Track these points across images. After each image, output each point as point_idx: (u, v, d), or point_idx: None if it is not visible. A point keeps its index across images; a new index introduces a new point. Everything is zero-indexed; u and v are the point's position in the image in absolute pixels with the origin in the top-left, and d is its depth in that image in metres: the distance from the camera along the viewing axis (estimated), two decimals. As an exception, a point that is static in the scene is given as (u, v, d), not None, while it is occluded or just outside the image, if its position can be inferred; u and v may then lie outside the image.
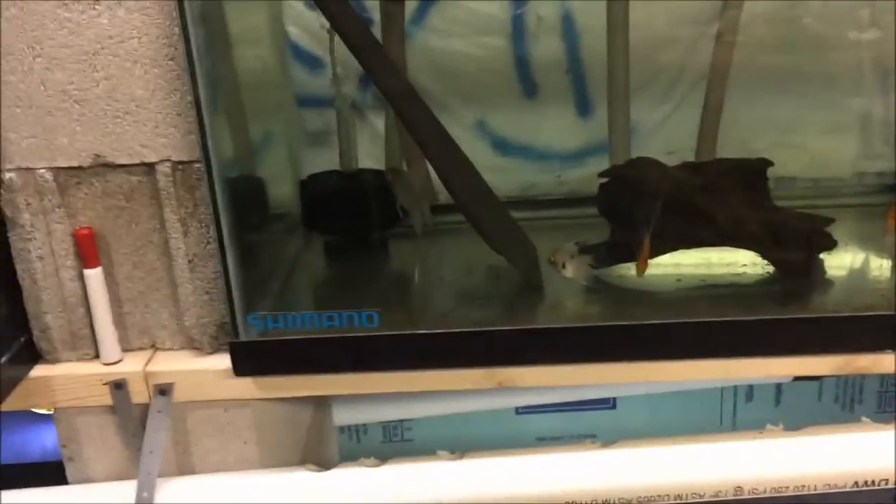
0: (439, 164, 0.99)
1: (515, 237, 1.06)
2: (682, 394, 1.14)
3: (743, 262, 1.05)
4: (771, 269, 1.04)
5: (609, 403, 1.26)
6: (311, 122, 1.30)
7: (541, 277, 1.04)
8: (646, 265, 1.00)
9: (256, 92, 1.17)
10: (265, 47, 1.20)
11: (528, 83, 1.32)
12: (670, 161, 1.09)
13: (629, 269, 1.05)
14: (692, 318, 0.94)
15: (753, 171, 1.04)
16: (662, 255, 1.01)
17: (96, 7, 0.85)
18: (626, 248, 1.04)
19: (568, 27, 1.29)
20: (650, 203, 1.00)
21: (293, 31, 1.27)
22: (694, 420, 1.60)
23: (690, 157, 1.24)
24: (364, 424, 1.19)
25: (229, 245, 0.90)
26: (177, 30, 0.84)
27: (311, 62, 1.28)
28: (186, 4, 0.81)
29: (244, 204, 1.02)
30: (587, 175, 1.34)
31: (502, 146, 1.35)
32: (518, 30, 1.29)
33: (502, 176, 1.33)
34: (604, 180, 1.09)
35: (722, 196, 1.02)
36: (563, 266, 1.03)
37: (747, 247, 1.02)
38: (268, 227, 1.14)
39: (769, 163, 1.04)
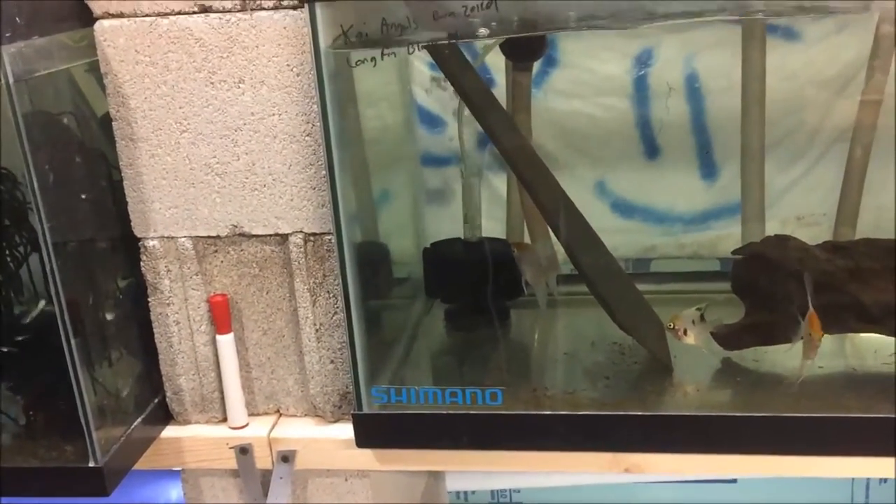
0: (563, 235, 0.97)
1: (642, 313, 1.03)
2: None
3: (892, 352, 0.98)
4: (923, 358, 0.96)
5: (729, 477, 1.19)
6: (437, 182, 1.31)
7: (669, 356, 1.00)
8: (818, 341, 0.93)
9: (384, 160, 1.20)
10: (393, 114, 1.22)
11: (649, 144, 1.29)
12: (809, 236, 1.05)
13: (765, 352, 1.00)
14: (832, 410, 0.88)
15: (905, 253, 0.97)
16: (798, 341, 0.95)
17: (240, 86, 0.89)
18: (762, 329, 0.99)
19: (692, 88, 1.26)
20: (790, 283, 0.95)
21: (421, 94, 1.29)
22: (822, 498, 1.50)
23: (825, 223, 1.20)
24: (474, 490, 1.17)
25: (356, 317, 0.91)
26: (315, 107, 0.86)
27: (436, 123, 1.29)
28: (326, 87, 0.84)
29: (371, 274, 1.03)
30: (711, 238, 1.32)
31: (623, 208, 1.33)
32: (641, 91, 1.27)
33: (622, 237, 1.32)
34: (739, 257, 1.04)
35: (869, 278, 0.96)
36: (685, 333, 0.99)
37: (898, 334, 0.95)
38: (392, 294, 1.15)
39: (923, 244, 0.98)
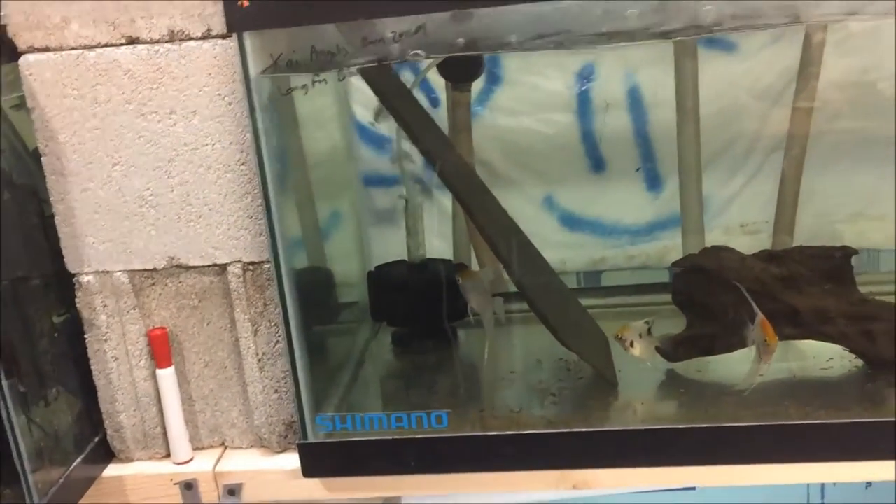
0: (503, 255, 0.98)
1: (586, 329, 1.03)
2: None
3: (829, 356, 1.00)
4: (860, 362, 0.98)
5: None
6: (383, 203, 1.31)
7: (614, 371, 1.01)
8: (773, 346, 0.94)
9: (329, 183, 1.19)
10: (337, 137, 1.22)
11: (595, 158, 1.31)
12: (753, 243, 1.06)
13: (708, 363, 1.02)
14: (776, 418, 0.89)
15: (837, 260, 0.99)
16: (740, 349, 0.97)
17: (172, 116, 0.88)
18: (704, 340, 1.00)
19: (634, 101, 1.28)
20: (729, 293, 0.96)
21: (367, 115, 1.29)
22: (781, 499, 1.52)
23: (767, 229, 1.22)
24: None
25: (298, 345, 0.90)
26: (248, 135, 0.86)
27: (382, 143, 1.29)
28: (258, 115, 0.83)
29: (314, 301, 1.02)
30: (658, 249, 1.33)
31: (571, 221, 1.34)
32: (585, 105, 1.29)
33: (572, 251, 1.33)
34: (678, 270, 1.05)
35: (804, 286, 0.98)
36: (631, 344, 1.00)
37: (833, 340, 0.97)
38: (337, 319, 1.14)
39: (853, 251, 1.00)
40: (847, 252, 1.00)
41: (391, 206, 1.30)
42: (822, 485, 1.58)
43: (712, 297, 1.00)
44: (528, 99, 1.28)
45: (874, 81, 1.20)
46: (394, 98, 0.98)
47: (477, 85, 1.24)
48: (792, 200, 1.22)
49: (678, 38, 1.12)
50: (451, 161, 1.00)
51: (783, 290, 0.97)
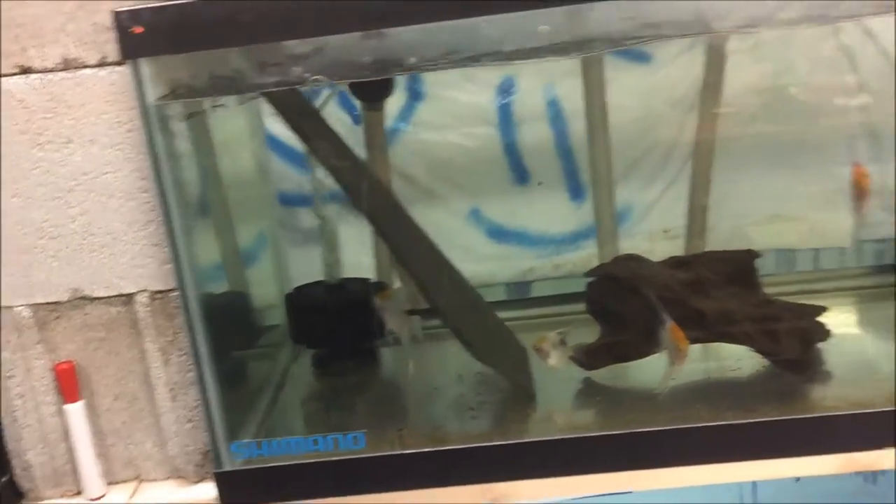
0: (417, 275, 0.98)
1: (504, 343, 1.04)
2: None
3: (738, 357, 1.03)
4: (766, 363, 1.01)
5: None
6: (304, 223, 1.30)
7: (531, 383, 1.02)
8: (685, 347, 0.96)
9: (239, 206, 1.18)
10: (252, 159, 1.21)
11: (519, 170, 1.32)
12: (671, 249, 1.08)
13: (624, 369, 1.03)
14: (688, 421, 0.91)
15: (742, 263, 1.02)
16: (653, 355, 0.99)
17: (69, 146, 0.86)
18: (617, 347, 1.02)
19: (555, 113, 1.30)
20: (639, 300, 0.98)
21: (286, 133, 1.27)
22: (716, 499, 1.55)
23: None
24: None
25: (209, 373, 0.88)
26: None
27: (299, 161, 1.28)
28: (158, 141, 0.82)
29: (228, 326, 1.01)
30: (583, 258, 1.35)
31: (498, 233, 1.35)
32: (506, 118, 1.30)
33: (500, 263, 1.34)
34: (591, 279, 1.07)
35: (710, 290, 1.00)
36: (547, 355, 1.01)
37: (739, 342, 0.99)
38: (256, 344, 1.12)
39: (757, 254, 1.03)
40: (751, 255, 1.03)
41: (313, 225, 1.29)
42: (754, 483, 1.61)
43: (624, 304, 1.02)
44: (450, 113, 1.29)
45: (786, 86, 1.24)
46: (300, 119, 0.98)
47: (399, 101, 1.25)
48: (702, 206, 1.25)
49: (586, 54, 1.15)
50: (360, 181, 0.99)
51: (691, 294, 1.00)
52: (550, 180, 1.32)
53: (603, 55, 1.19)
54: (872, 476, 1.46)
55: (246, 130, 1.20)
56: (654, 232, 1.32)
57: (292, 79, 0.83)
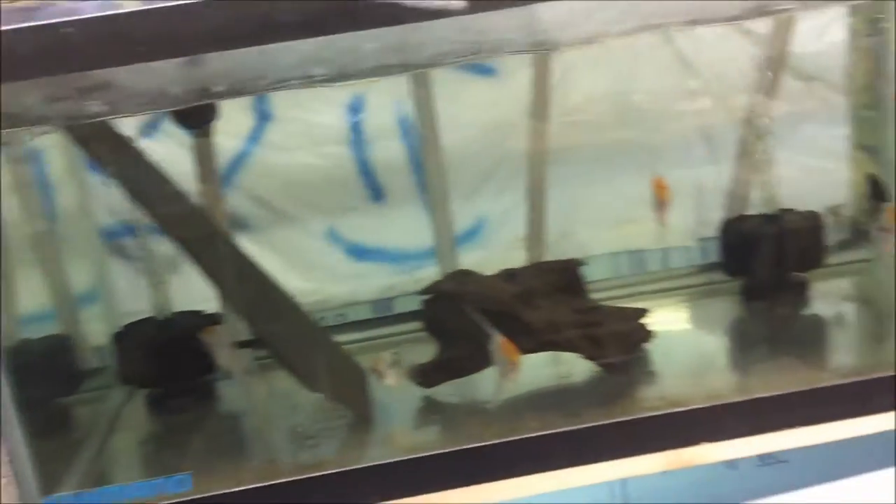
0: (243, 309, 0.96)
1: (339, 368, 1.03)
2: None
3: (572, 364, 1.05)
4: (595, 368, 1.04)
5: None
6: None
7: (368, 407, 1.01)
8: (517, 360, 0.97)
9: (59, 244, 1.12)
10: (63, 194, 1.15)
11: (374, 187, 1.32)
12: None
13: (464, 384, 1.03)
14: (518, 432, 0.92)
15: (567, 272, 1.05)
16: (484, 369, 0.99)
17: None
18: (453, 364, 1.02)
19: (405, 129, 1.30)
20: (471, 316, 0.99)
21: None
22: (592, 499, 1.58)
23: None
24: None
25: (16, 425, 0.83)
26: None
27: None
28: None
29: (44, 372, 0.96)
30: (442, 273, 1.35)
31: (357, 251, 1.34)
32: (358, 136, 1.30)
33: (360, 281, 1.32)
34: (427, 297, 1.07)
35: (538, 301, 1.02)
36: (383, 375, 1.01)
37: (567, 349, 1.01)
38: (78, 388, 1.07)
39: (581, 262, 1.06)
40: (576, 263, 1.06)
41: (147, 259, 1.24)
42: (623, 481, 1.65)
43: (458, 320, 1.02)
44: (301, 134, 1.28)
45: (630, 93, 1.28)
46: (109, 152, 0.94)
47: (247, 123, 1.23)
48: (539, 214, 1.27)
49: (416, 70, 1.15)
50: (177, 213, 0.96)
51: (519, 306, 1.01)
52: (406, 196, 1.32)
53: (429, 72, 1.20)
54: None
55: (64, 164, 1.15)
56: (515, 241, 1.34)
57: (82, 113, 0.80)
